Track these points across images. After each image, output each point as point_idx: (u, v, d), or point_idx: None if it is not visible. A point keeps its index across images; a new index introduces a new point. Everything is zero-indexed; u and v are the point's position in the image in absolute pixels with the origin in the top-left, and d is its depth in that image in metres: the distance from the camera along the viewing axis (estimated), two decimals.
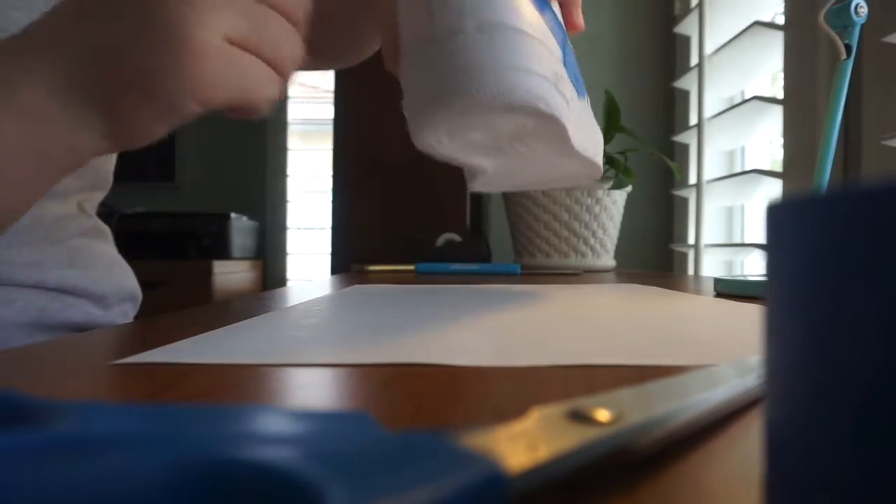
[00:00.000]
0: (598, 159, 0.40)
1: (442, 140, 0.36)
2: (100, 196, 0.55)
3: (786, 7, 1.06)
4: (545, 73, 0.31)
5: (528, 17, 0.32)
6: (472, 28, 0.30)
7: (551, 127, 0.33)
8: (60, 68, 0.29)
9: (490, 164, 0.41)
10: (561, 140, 0.35)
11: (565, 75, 0.34)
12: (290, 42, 0.32)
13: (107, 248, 0.55)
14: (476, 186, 0.43)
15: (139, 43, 0.29)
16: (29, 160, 0.30)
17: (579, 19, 0.37)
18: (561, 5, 0.37)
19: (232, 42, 0.30)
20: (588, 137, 0.38)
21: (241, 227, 2.37)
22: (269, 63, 0.31)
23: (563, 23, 0.36)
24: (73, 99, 0.29)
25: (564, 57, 0.35)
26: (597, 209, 1.06)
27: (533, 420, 0.12)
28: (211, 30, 0.29)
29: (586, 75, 1.45)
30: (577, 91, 0.36)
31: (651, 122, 1.66)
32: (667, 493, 0.11)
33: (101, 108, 0.30)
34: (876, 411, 0.07)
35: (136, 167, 2.33)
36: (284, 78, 0.32)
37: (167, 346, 0.27)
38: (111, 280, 0.53)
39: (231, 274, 2.25)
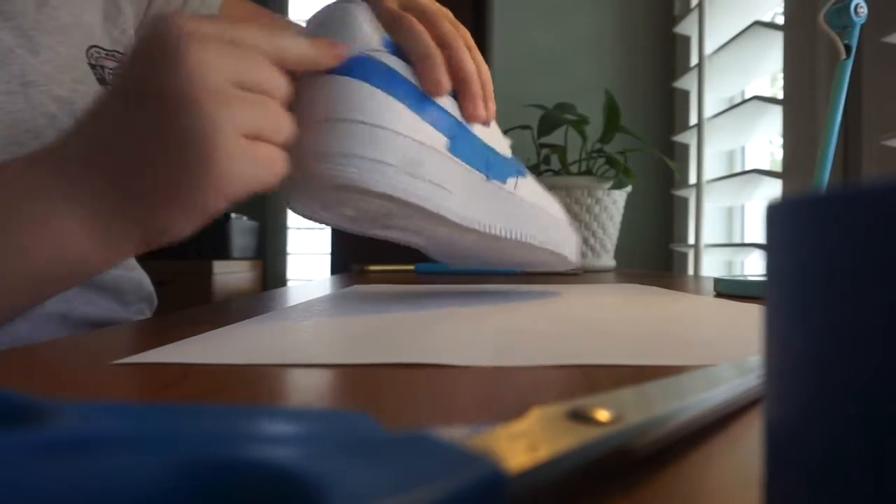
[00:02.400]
0: (562, 248, 0.46)
1: (317, 210, 0.41)
2: None
3: (786, 7, 1.06)
4: (386, 159, 0.36)
5: (380, 111, 0.36)
6: (322, 120, 0.36)
7: (410, 210, 0.38)
8: (95, 195, 0.32)
9: (433, 245, 0.47)
10: (436, 219, 0.39)
11: (443, 160, 0.38)
12: (287, 123, 0.35)
13: None
14: (436, 257, 0.49)
15: (168, 160, 0.31)
16: (58, 277, 0.33)
17: (478, 110, 0.41)
18: (458, 98, 0.41)
19: (248, 136, 0.32)
20: (530, 222, 0.43)
21: (240, 227, 2.36)
22: (275, 145, 0.34)
23: (459, 114, 0.41)
24: (110, 224, 0.32)
25: (455, 144, 0.39)
26: (597, 209, 1.06)
27: (533, 420, 0.12)
28: (231, 133, 0.31)
29: (586, 75, 1.43)
30: (491, 173, 0.41)
31: (651, 122, 1.66)
32: (667, 493, 0.11)
33: (136, 224, 0.33)
34: (876, 411, 0.07)
35: None
36: (285, 152, 0.35)
37: (167, 346, 0.27)
38: (131, 279, 0.55)
39: (231, 274, 2.25)
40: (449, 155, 0.38)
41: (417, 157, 0.37)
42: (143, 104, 0.31)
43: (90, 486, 0.08)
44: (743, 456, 0.13)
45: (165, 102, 0.30)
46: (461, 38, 0.41)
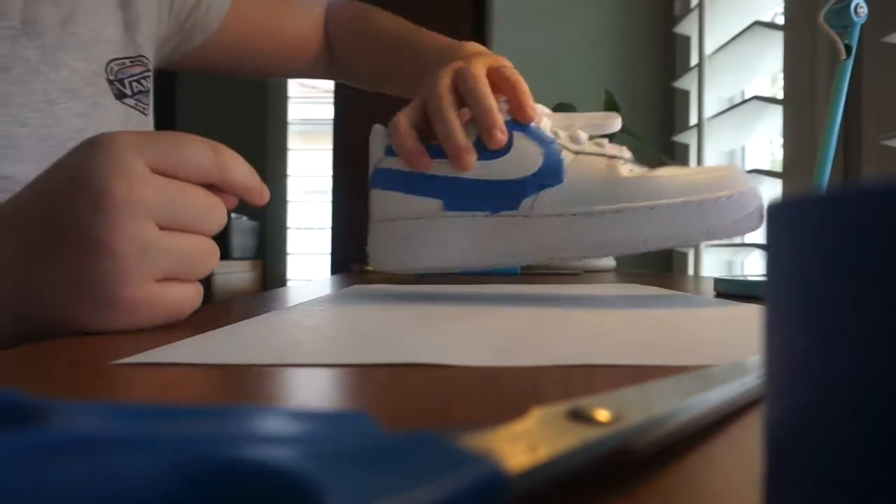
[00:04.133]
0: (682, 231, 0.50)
1: (396, 266, 0.49)
2: None
3: (786, 7, 1.06)
4: (387, 243, 0.47)
5: (381, 206, 0.47)
6: (377, 220, 0.48)
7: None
8: None
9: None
10: (454, 268, 0.47)
11: (437, 222, 0.46)
12: (210, 257, 0.34)
13: None
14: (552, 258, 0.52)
15: (73, 295, 0.30)
16: None
17: (493, 139, 0.45)
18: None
19: (161, 280, 0.32)
20: (580, 231, 0.45)
21: (241, 227, 2.37)
22: (191, 281, 0.34)
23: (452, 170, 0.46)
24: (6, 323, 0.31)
25: (449, 202, 0.46)
26: None
27: (533, 420, 0.12)
28: (142, 283, 0.31)
29: (586, 75, 1.44)
30: (495, 206, 0.45)
31: (651, 122, 1.66)
32: (667, 493, 0.11)
33: (27, 331, 0.32)
34: (876, 411, 0.07)
35: None
36: (200, 286, 0.35)
37: (167, 346, 0.27)
38: None
39: (231, 274, 2.25)
40: (444, 213, 0.45)
41: (411, 231, 0.46)
42: (58, 236, 0.30)
43: (90, 486, 0.08)
44: (743, 456, 0.13)
45: (81, 242, 0.30)
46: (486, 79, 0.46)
